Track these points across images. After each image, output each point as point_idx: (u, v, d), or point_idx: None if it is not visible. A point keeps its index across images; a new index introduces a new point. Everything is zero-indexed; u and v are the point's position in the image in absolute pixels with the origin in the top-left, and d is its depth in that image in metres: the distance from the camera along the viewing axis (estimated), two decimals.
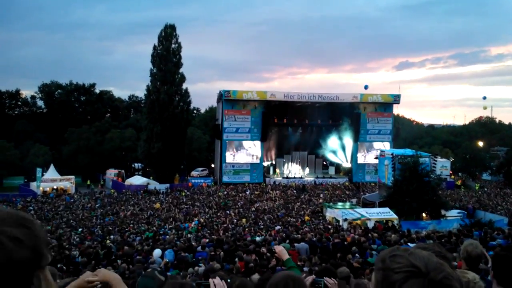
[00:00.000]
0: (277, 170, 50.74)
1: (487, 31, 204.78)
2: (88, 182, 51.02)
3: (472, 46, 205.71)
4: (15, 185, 49.77)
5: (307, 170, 51.27)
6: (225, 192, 41.42)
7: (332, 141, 50.94)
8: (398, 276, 1.20)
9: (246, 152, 48.14)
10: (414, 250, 1.29)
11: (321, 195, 39.57)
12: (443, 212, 27.85)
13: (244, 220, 29.23)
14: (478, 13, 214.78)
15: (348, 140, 49.94)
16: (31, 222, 1.20)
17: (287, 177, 48.43)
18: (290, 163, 51.55)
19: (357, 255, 11.51)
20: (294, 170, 50.51)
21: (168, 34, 51.03)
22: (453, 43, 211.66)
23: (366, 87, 51.23)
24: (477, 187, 48.28)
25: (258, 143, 48.21)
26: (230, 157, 47.79)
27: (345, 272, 6.58)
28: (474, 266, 3.48)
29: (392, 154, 31.83)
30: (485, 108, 57.60)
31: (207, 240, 16.60)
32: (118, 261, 12.48)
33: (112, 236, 23.93)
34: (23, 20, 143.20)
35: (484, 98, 56.41)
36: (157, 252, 13.09)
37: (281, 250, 4.02)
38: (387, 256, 1.29)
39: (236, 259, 10.49)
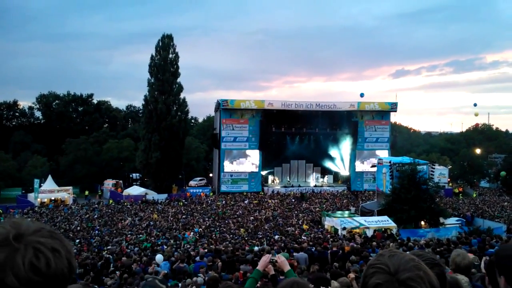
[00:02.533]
0: (273, 178, 50.75)
1: (482, 38, 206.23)
2: (86, 192, 50.80)
3: (468, 53, 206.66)
4: (13, 196, 49.50)
5: (311, 177, 51.40)
6: (224, 202, 41.31)
7: (330, 150, 51.00)
8: (371, 270, 1.34)
9: (244, 161, 48.12)
10: (399, 253, 1.39)
11: (319, 204, 39.54)
12: (441, 220, 27.83)
13: (242, 230, 29.14)
14: (473, 20, 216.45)
15: (346, 148, 50.00)
16: (59, 235, 1.21)
17: (285, 186, 48.38)
18: (288, 171, 51.56)
19: (355, 264, 11.46)
20: (292, 179, 50.54)
21: (166, 44, 51.20)
22: (448, 51, 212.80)
23: (362, 95, 51.37)
24: (474, 195, 48.29)
25: (256, 152, 48.20)
26: (228, 166, 47.75)
27: (345, 283, 6.57)
28: (464, 276, 3.48)
29: (390, 162, 31.85)
30: (476, 114, 57.64)
31: (206, 250, 16.53)
32: (117, 272, 12.41)
33: (109, 247, 23.81)
34: (19, 30, 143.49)
35: (475, 105, 56.56)
36: (159, 257, 13.17)
37: (283, 261, 3.98)
38: (376, 254, 1.43)
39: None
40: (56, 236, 1.19)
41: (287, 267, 3.86)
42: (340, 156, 51.04)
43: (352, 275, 5.67)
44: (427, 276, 1.29)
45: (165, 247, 21.99)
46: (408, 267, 1.29)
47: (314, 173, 52.65)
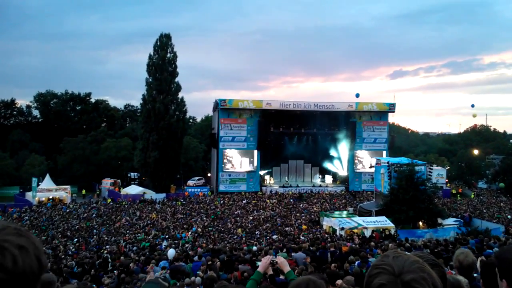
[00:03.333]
0: (269, 178, 50.82)
1: (479, 39, 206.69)
2: (84, 191, 50.74)
3: (465, 54, 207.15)
4: (11, 195, 49.45)
5: (309, 177, 51.44)
6: (222, 201, 41.31)
7: (328, 150, 51.02)
8: (375, 271, 1.36)
9: (242, 161, 48.13)
10: (403, 254, 1.40)
11: (317, 204, 39.56)
12: (439, 220, 27.88)
13: (239, 230, 29.16)
14: (470, 22, 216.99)
15: (344, 148, 50.02)
16: (26, 232, 1.21)
17: (283, 186, 48.40)
18: (286, 171, 51.58)
19: (353, 265, 11.47)
20: (290, 179, 50.58)
21: (164, 43, 51.14)
22: (446, 52, 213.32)
23: (357, 95, 51.34)
24: (472, 196, 48.39)
25: (254, 151, 48.20)
26: (227, 166, 47.75)
27: (352, 281, 6.62)
28: (467, 274, 3.49)
29: (388, 162, 31.91)
30: (474, 116, 57.71)
31: (204, 249, 16.54)
32: (115, 271, 12.40)
33: (107, 246, 23.80)
34: (16, 29, 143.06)
35: (472, 106, 56.60)
36: (171, 252, 13.34)
37: (282, 261, 3.97)
38: (381, 255, 1.44)
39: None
40: (23, 233, 1.18)
41: (287, 268, 3.86)
42: (338, 157, 51.08)
43: (339, 282, 5.70)
44: (431, 278, 1.31)
45: (163, 246, 22.01)
46: (412, 268, 1.31)
47: (312, 173, 52.65)
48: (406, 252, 1.49)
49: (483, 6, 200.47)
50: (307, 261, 12.41)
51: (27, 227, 32.41)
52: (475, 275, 6.09)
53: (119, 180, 52.16)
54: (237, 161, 48.07)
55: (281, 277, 7.04)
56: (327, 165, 52.13)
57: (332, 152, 51.09)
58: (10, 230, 1.16)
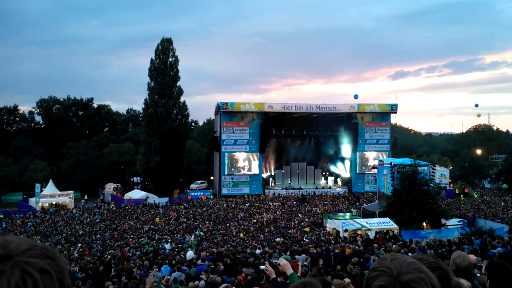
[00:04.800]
0: (272, 181, 50.84)
1: (481, 39, 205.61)
2: (86, 197, 50.72)
3: (467, 54, 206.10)
4: (14, 201, 49.57)
5: (312, 179, 51.42)
6: (225, 205, 41.31)
7: (331, 151, 50.99)
8: (374, 273, 1.39)
9: (245, 164, 48.17)
10: (400, 256, 1.44)
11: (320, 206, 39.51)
12: (443, 221, 27.79)
13: (241, 234, 29.11)
14: (471, 21, 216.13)
15: (347, 150, 49.97)
16: (53, 252, 1.13)
17: (286, 188, 48.35)
18: (289, 174, 51.57)
19: (357, 267, 11.45)
20: (293, 181, 50.57)
21: (165, 47, 51.27)
22: (447, 52, 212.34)
23: (356, 97, 51.23)
24: (475, 195, 48.26)
25: (256, 154, 48.21)
26: (230, 169, 47.78)
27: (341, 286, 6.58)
28: (464, 277, 3.51)
29: (390, 163, 31.84)
30: (479, 115, 57.60)
31: (207, 253, 16.53)
32: (118, 276, 12.39)
33: (111, 251, 23.82)
34: (17, 35, 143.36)
35: (476, 105, 56.46)
36: (189, 253, 13.48)
37: (285, 264, 3.98)
38: (378, 258, 1.47)
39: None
40: (49, 253, 1.10)
41: (289, 270, 3.87)
42: (341, 158, 51.03)
43: (347, 280, 5.68)
44: (429, 278, 1.34)
45: (167, 250, 22.02)
46: (410, 269, 1.34)
47: (315, 176, 52.62)
48: (403, 255, 1.52)
49: (484, 5, 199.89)
50: (308, 261, 12.44)
51: (31, 233, 32.48)
52: (478, 275, 6.07)
53: (119, 185, 52.27)
54: (240, 164, 48.15)
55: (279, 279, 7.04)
56: (330, 166, 52.10)
57: (335, 154, 51.05)
58: (35, 252, 1.08)
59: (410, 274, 1.33)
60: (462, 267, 3.51)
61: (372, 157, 49.79)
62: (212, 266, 12.02)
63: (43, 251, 1.10)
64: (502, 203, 42.55)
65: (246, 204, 41.48)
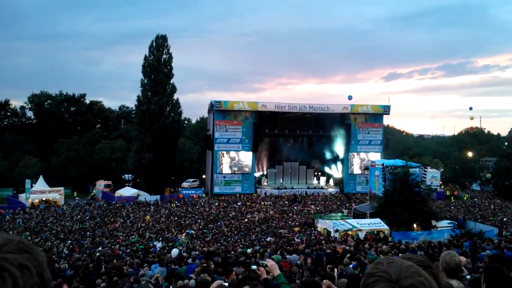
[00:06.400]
0: (264, 180, 50.82)
1: (473, 42, 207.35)
2: (75, 194, 50.27)
3: (459, 57, 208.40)
4: (4, 197, 49.12)
5: (304, 179, 51.43)
6: (216, 203, 41.22)
7: (323, 152, 51.07)
8: (371, 279, 1.33)
9: (237, 163, 48.13)
10: (397, 260, 1.39)
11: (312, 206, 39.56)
12: (433, 222, 27.95)
13: (234, 232, 29.07)
14: (464, 24, 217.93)
15: (339, 150, 50.10)
16: (30, 246, 1.10)
17: (278, 188, 48.37)
18: (281, 173, 51.60)
19: (348, 267, 11.46)
20: (285, 181, 50.59)
21: (160, 44, 51.05)
22: (440, 54, 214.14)
23: (350, 98, 51.32)
24: (465, 198, 48.59)
25: (249, 153, 48.18)
26: (222, 167, 47.71)
27: (344, 284, 6.62)
28: (454, 275, 3.52)
29: (382, 164, 31.97)
30: (472, 118, 58.09)
31: (198, 252, 16.47)
32: (107, 274, 12.30)
33: (101, 249, 23.66)
34: (9, 29, 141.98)
35: (471, 108, 56.95)
36: (174, 251, 13.40)
37: (272, 265, 3.94)
38: (373, 263, 1.42)
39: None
40: (26, 247, 1.08)
41: (276, 271, 3.83)
42: (333, 158, 51.15)
43: (327, 282, 5.68)
44: (428, 282, 1.31)
45: (157, 249, 21.91)
46: (409, 273, 1.31)
47: (307, 175, 52.69)
48: (398, 258, 1.48)
49: (477, 8, 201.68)
50: (302, 260, 12.42)
51: (20, 229, 32.19)
52: (468, 276, 6.09)
53: (110, 182, 51.95)
54: (233, 162, 48.13)
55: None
56: (322, 167, 52.20)
57: (327, 154, 51.15)
58: (11, 247, 1.06)
59: (410, 278, 1.29)
60: (452, 264, 3.52)
61: (363, 158, 49.93)
62: (205, 265, 11.98)
63: (20, 246, 1.07)
64: (492, 206, 42.87)
65: (238, 203, 41.43)
